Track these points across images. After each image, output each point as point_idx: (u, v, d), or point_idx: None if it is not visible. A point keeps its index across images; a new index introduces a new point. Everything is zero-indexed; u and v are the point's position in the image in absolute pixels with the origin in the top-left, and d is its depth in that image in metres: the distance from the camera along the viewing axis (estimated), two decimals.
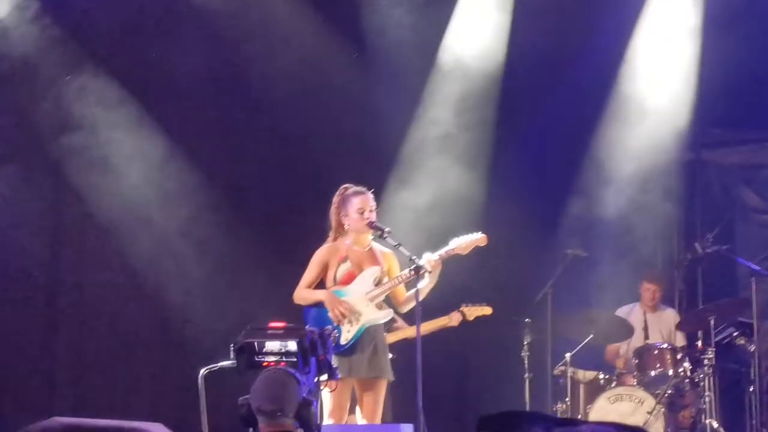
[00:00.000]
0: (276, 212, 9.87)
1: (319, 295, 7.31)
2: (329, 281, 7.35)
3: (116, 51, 9.53)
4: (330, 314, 7.20)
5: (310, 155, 9.76)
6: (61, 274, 9.43)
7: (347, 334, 7.23)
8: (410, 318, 8.12)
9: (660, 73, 9.99)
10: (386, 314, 7.39)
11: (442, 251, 7.28)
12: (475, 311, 8.62)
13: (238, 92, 9.82)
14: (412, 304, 7.28)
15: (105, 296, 9.46)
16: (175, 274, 9.47)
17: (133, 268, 9.50)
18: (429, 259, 7.17)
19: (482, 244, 7.44)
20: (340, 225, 7.36)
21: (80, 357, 9.37)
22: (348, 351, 7.21)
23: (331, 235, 7.41)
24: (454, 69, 9.96)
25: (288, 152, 9.85)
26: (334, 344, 6.94)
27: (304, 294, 7.34)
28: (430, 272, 7.15)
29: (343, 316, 7.19)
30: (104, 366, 9.33)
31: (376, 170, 9.63)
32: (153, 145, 9.47)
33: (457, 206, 9.77)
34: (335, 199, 7.38)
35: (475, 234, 7.40)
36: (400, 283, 7.31)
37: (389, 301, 7.50)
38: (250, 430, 4.94)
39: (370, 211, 7.28)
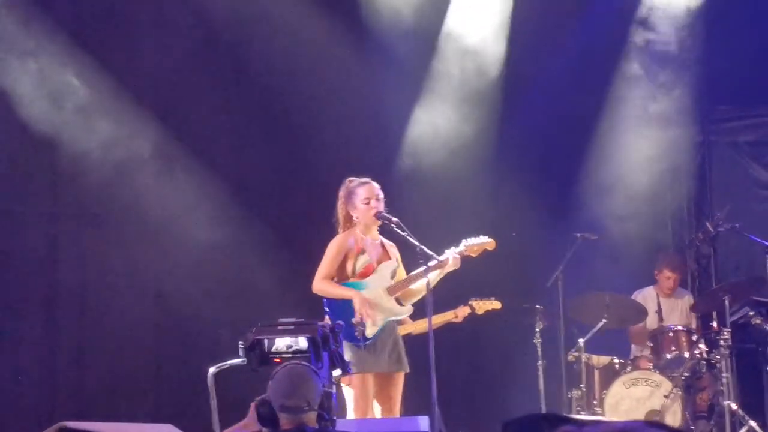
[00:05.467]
0: (283, 207, 9.74)
1: (349, 293, 7.17)
2: (348, 272, 7.24)
3: (106, 37, 9.36)
4: (357, 314, 7.12)
5: (317, 147, 9.64)
6: (62, 275, 9.27)
7: (372, 327, 7.15)
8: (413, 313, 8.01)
9: (666, 51, 9.88)
10: (408, 310, 7.39)
11: (457, 250, 7.27)
12: (484, 305, 8.49)
13: (240, 84, 9.68)
14: (417, 298, 7.27)
15: (107, 298, 9.31)
16: (181, 274, 9.33)
17: (135, 267, 9.36)
18: (457, 253, 7.20)
19: (490, 248, 7.45)
20: (349, 218, 7.26)
21: (82, 361, 9.23)
22: (371, 346, 7.14)
23: (340, 230, 7.32)
24: (455, 50, 9.86)
25: (294, 146, 9.70)
26: (360, 336, 6.91)
27: (327, 288, 7.19)
28: (449, 266, 7.16)
29: (370, 318, 7.11)
30: (107, 369, 9.18)
31: (382, 157, 9.54)
32: (156, 138, 9.33)
33: (464, 192, 9.65)
34: (341, 193, 7.30)
35: (484, 237, 7.41)
36: (421, 279, 7.16)
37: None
38: None
39: (377, 199, 7.21)
